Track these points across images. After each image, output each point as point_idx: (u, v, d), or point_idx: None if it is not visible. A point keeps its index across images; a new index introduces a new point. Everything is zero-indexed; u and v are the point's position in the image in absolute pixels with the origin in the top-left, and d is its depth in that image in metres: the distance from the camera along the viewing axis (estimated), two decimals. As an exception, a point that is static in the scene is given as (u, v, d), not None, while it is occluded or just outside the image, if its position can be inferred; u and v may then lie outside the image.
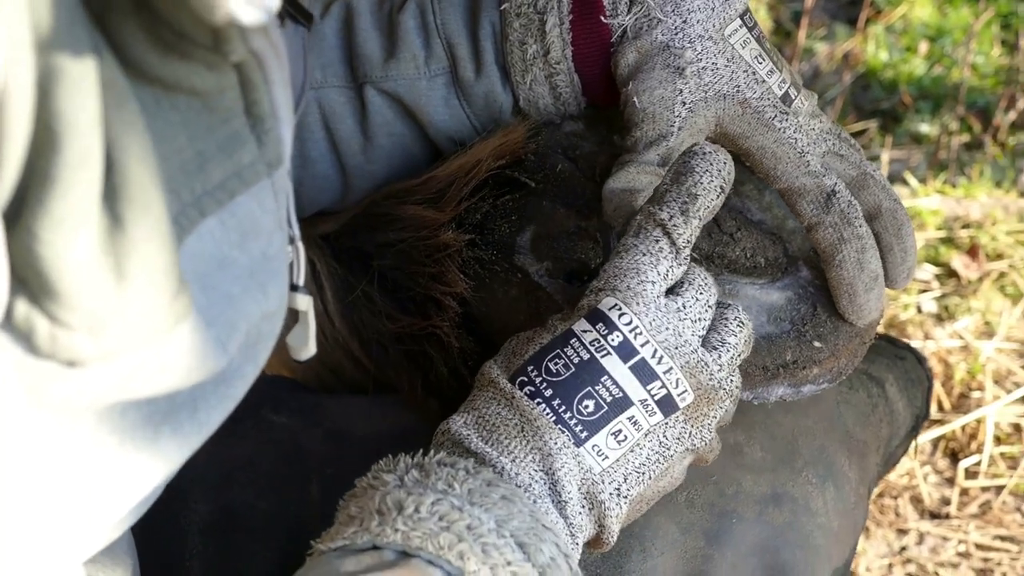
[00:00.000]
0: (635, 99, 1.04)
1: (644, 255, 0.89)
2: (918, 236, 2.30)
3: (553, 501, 0.85)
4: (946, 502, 1.86)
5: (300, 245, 0.85)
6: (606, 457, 0.86)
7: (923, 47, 3.19)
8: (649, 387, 0.86)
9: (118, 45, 0.59)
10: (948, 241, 2.35)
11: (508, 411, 0.87)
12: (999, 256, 2.30)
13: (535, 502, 0.84)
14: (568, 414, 0.85)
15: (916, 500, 1.86)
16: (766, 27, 3.22)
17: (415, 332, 1.10)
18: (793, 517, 1.05)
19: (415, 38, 1.12)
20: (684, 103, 1.04)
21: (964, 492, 1.87)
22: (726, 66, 1.04)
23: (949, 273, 2.29)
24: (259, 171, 0.71)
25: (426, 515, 0.79)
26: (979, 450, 1.92)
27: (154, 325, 0.61)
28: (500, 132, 1.11)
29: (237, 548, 1.06)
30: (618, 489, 0.87)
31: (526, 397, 0.87)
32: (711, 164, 0.91)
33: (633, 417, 0.86)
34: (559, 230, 1.04)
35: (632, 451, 0.87)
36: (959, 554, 1.79)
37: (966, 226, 2.38)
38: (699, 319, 0.89)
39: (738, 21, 1.05)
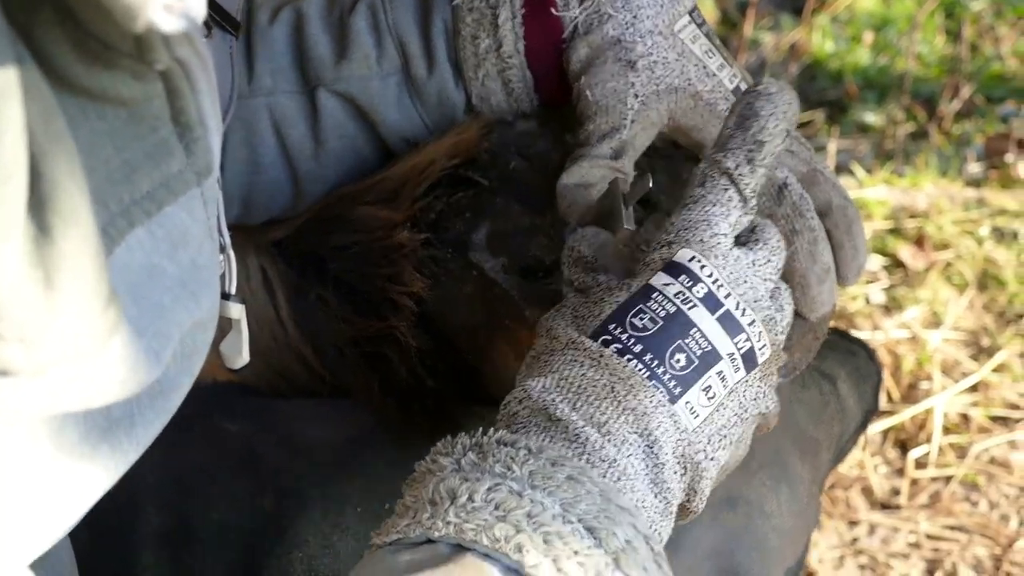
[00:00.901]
0: (587, 92, 1.04)
1: (714, 206, 0.85)
2: (866, 227, 2.32)
3: (648, 465, 0.79)
4: (896, 493, 1.87)
5: (231, 254, 0.85)
6: (697, 415, 0.81)
7: (868, 37, 3.20)
8: (735, 340, 0.83)
9: (43, 56, 0.58)
10: (895, 231, 2.37)
11: (595, 371, 0.81)
12: (945, 246, 2.32)
13: (618, 479, 0.77)
14: (661, 369, 0.80)
15: (867, 491, 1.87)
16: (712, 18, 3.22)
17: (372, 334, 1.10)
18: (748, 520, 1.05)
19: (367, 38, 1.12)
20: (636, 95, 1.03)
21: (914, 482, 1.89)
22: (677, 60, 1.05)
23: (896, 263, 2.30)
24: (188, 180, 0.70)
25: (480, 504, 0.73)
26: (928, 440, 1.93)
27: (87, 336, 0.60)
28: (453, 131, 1.11)
29: (190, 559, 1.05)
30: (705, 451, 0.82)
31: (615, 355, 0.81)
32: (776, 106, 0.87)
33: (721, 372, 0.82)
34: (514, 227, 1.04)
35: (717, 411, 0.82)
36: (910, 544, 1.80)
37: (913, 216, 2.40)
38: (768, 279, 0.87)
39: (687, 17, 1.06)
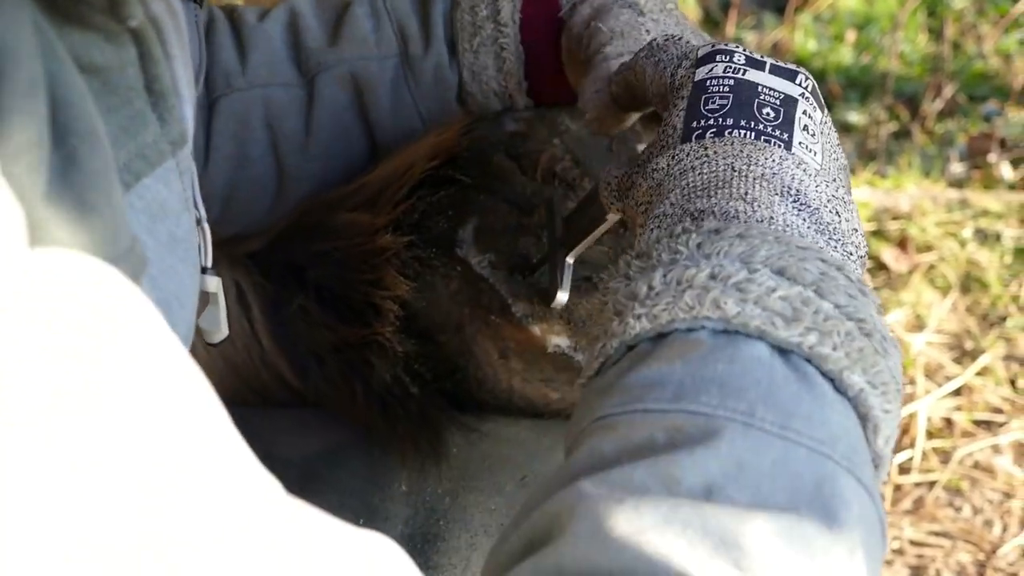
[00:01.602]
0: (601, 25, 1.03)
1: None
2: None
3: (804, 216, 0.73)
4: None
5: (206, 227, 0.83)
6: (815, 153, 0.78)
7: (851, 36, 3.20)
8: (797, 82, 0.80)
9: None
10: (878, 234, 2.36)
11: (708, 163, 0.76)
12: (928, 248, 2.31)
13: (785, 231, 0.72)
14: (761, 125, 0.77)
15: (849, 497, 1.86)
16: (695, 17, 3.21)
17: (355, 341, 1.08)
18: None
19: (365, 22, 1.12)
20: (648, 32, 1.03)
21: (897, 488, 1.88)
22: (676, 26, 1.06)
23: (879, 266, 2.29)
24: (163, 150, 0.69)
25: (661, 287, 0.67)
26: (911, 445, 1.92)
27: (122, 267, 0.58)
28: (433, 133, 1.10)
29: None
30: (845, 186, 0.79)
31: (715, 137, 0.77)
32: None
33: (805, 111, 0.79)
34: (502, 225, 1.03)
35: (824, 149, 0.79)
36: (894, 551, 1.79)
37: (895, 218, 2.39)
38: None
39: (673, 3, 1.08)
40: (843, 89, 2.98)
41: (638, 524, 0.55)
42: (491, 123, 1.11)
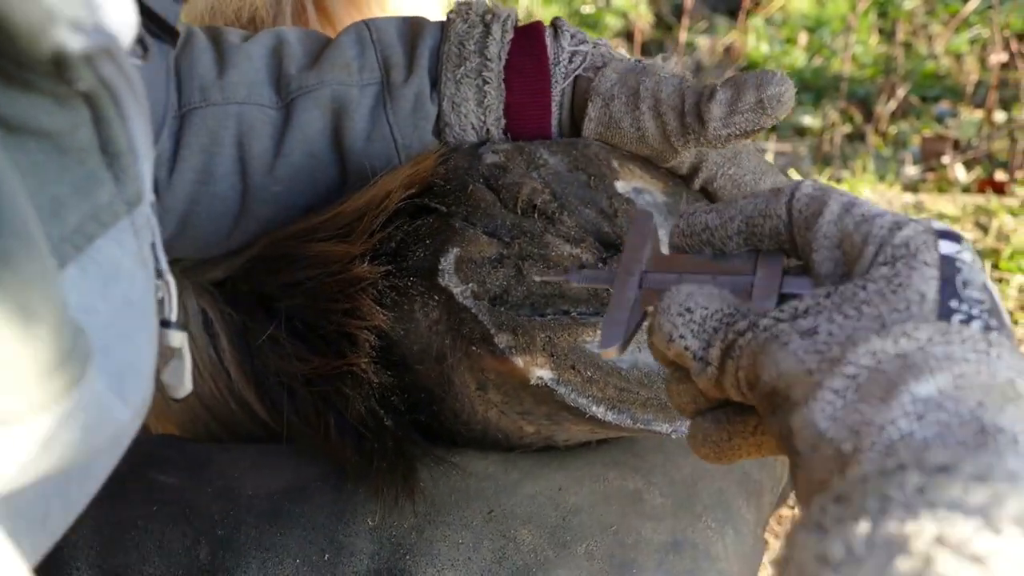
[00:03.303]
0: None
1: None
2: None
3: None
4: (842, 505, 1.87)
5: (170, 279, 0.80)
6: None
7: (803, 38, 3.22)
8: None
9: None
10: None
11: (984, 362, 0.60)
12: (885, 252, 2.32)
13: None
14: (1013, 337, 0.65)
15: (813, 505, 1.86)
16: (648, 21, 3.22)
17: (327, 372, 1.07)
18: (694, 564, 1.04)
19: (349, 50, 1.12)
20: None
21: (859, 495, 1.89)
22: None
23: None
24: (118, 211, 0.67)
25: (863, 551, 0.52)
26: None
27: (64, 372, 0.57)
28: (410, 163, 1.10)
29: (122, 617, 1.02)
30: None
31: (988, 332, 0.63)
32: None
33: None
34: (482, 256, 1.03)
35: None
36: None
37: (852, 222, 2.40)
38: None
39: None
40: (796, 92, 2.98)
41: None
42: (469, 153, 1.10)
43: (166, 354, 0.84)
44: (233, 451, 1.14)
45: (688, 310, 0.68)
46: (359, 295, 1.05)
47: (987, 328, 0.62)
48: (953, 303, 0.64)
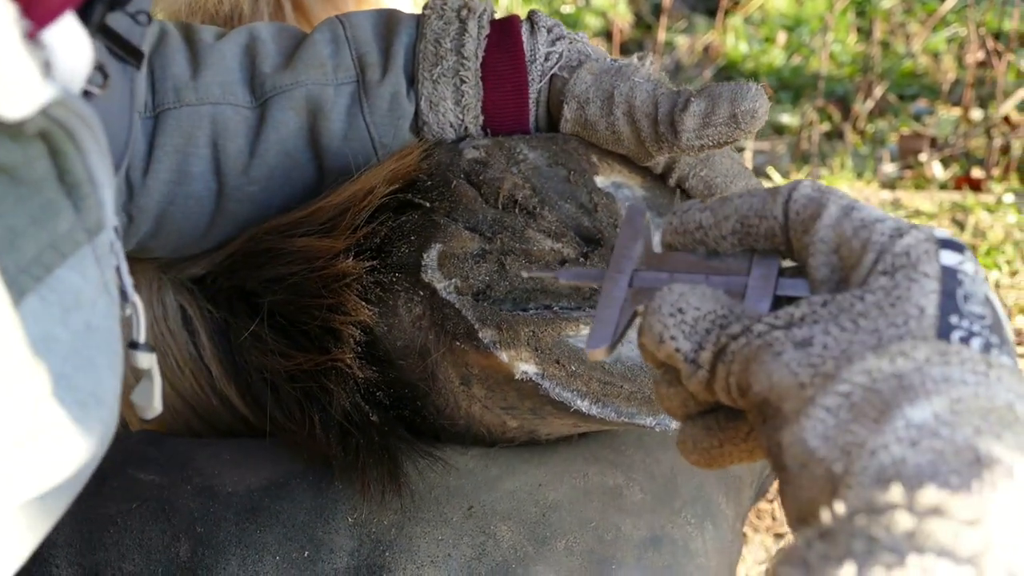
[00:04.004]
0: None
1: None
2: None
3: None
4: (822, 502, 1.86)
5: (136, 300, 0.79)
6: None
7: (781, 37, 3.22)
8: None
9: None
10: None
11: (983, 385, 0.58)
12: (863, 249, 2.33)
13: None
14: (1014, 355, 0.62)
15: (792, 501, 1.86)
16: (627, 21, 3.22)
17: (311, 368, 1.07)
18: (673, 559, 1.04)
19: (323, 48, 1.12)
20: None
21: (838, 491, 1.89)
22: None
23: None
24: (78, 239, 0.67)
25: None
26: None
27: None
28: (393, 157, 1.10)
29: (102, 613, 1.02)
30: None
31: (988, 352, 0.61)
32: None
33: None
34: (465, 251, 1.03)
35: None
36: (836, 554, 1.80)
37: (830, 220, 2.41)
38: None
39: None
40: (775, 91, 2.99)
41: None
42: (450, 149, 1.10)
43: (136, 374, 0.84)
44: (213, 447, 1.13)
45: (680, 310, 0.66)
46: (343, 290, 1.04)
47: (987, 346, 0.60)
48: (953, 319, 0.61)
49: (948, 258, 0.64)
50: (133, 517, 1.06)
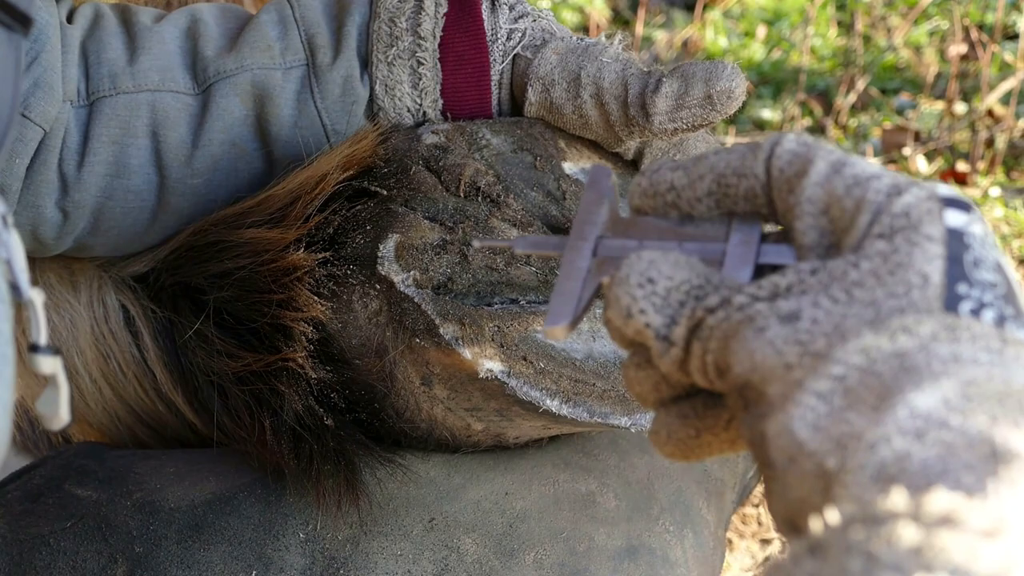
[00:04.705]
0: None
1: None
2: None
3: None
4: (808, 506, 1.83)
5: (34, 296, 0.73)
6: None
7: (761, 32, 3.22)
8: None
9: None
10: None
11: (997, 364, 0.51)
12: (847, 245, 2.30)
13: None
14: None
15: (778, 506, 1.83)
16: (604, 16, 3.21)
17: (261, 369, 1.03)
18: (651, 570, 1.01)
19: (270, 30, 1.07)
20: None
21: (826, 494, 1.85)
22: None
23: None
24: None
25: None
26: None
27: None
28: (346, 142, 1.06)
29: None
30: None
31: (1002, 324, 0.55)
32: None
33: None
34: (424, 242, 0.99)
35: None
36: None
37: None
38: None
39: None
40: (756, 86, 2.99)
41: None
42: (408, 134, 1.07)
43: (39, 383, 0.77)
44: (157, 459, 1.09)
45: (650, 280, 0.59)
46: (294, 284, 1.00)
47: (1001, 319, 0.54)
48: (961, 288, 0.55)
49: (954, 218, 0.57)
50: (67, 537, 1.02)
